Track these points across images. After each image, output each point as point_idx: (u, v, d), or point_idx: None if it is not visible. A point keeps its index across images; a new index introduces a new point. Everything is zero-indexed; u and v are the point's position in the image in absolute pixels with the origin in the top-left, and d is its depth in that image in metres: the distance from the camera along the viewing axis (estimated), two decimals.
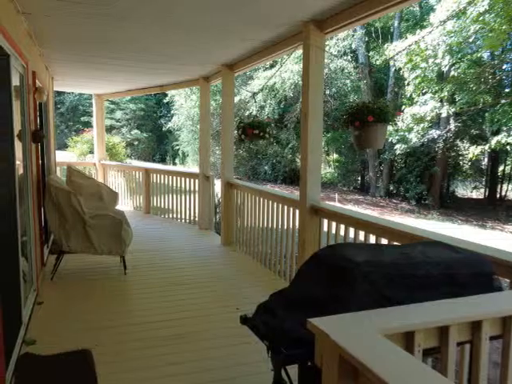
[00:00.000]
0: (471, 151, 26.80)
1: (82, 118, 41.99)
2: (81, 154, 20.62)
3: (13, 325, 4.81)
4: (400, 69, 28.24)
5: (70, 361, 4.73)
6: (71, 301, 6.68)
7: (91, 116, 19.39)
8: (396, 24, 33.24)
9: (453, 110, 26.99)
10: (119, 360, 4.94)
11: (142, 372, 4.72)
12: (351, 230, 5.82)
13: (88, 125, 34.38)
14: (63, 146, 28.60)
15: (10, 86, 5.02)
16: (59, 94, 39.45)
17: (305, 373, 3.01)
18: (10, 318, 4.56)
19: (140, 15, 6.07)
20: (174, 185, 13.02)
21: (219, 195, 12.87)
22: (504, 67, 27.25)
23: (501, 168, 36.09)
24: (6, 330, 3.88)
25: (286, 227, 7.75)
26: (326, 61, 7.57)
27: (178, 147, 43.32)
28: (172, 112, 41.17)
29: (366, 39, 34.93)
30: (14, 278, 5.01)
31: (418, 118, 26.83)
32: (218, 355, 5.15)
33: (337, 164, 40.66)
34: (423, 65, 26.27)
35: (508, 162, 36.53)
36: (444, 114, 27.24)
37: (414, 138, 27.69)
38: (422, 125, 27.20)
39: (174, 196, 13.02)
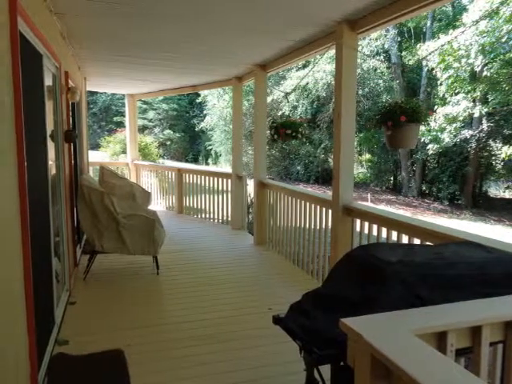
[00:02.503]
0: (504, 151, 26.54)
1: (114, 118, 42.30)
2: (113, 154, 20.77)
3: (45, 325, 4.83)
4: (433, 69, 28.12)
5: (102, 361, 4.72)
6: (104, 301, 6.70)
7: (124, 116, 19.51)
8: (428, 24, 33.02)
9: (485, 109, 26.78)
10: (152, 360, 4.93)
11: (175, 372, 4.71)
12: (384, 230, 5.76)
13: (121, 125, 34.64)
14: (96, 146, 28.85)
15: (42, 86, 5.04)
16: (92, 94, 39.76)
17: (337, 373, 2.98)
18: (43, 318, 4.57)
19: (175, 15, 6.05)
20: (207, 185, 13.02)
21: (252, 195, 12.87)
22: None
23: None
24: (39, 330, 3.89)
25: (318, 227, 7.70)
26: (358, 61, 7.52)
27: (210, 147, 43.48)
28: (205, 112, 41.35)
29: (399, 39, 34.76)
30: (47, 278, 5.03)
31: (451, 117, 26.68)
32: (250, 355, 5.13)
33: (369, 164, 40.44)
34: (456, 65, 26.14)
35: None
36: (476, 114, 27.06)
37: (446, 137, 27.52)
38: (454, 125, 27.07)
39: (207, 196, 13.03)
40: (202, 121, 41.90)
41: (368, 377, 2.00)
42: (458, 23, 28.04)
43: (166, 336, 5.56)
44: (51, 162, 5.60)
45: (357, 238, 6.44)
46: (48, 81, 5.57)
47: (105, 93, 39.76)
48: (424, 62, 29.81)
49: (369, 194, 32.09)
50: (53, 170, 5.86)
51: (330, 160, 34.44)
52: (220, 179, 12.58)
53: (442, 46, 24.84)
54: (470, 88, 26.73)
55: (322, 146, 34.72)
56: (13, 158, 3.25)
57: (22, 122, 3.40)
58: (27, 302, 3.50)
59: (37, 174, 4.49)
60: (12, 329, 3.20)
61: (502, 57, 26.02)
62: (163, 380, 4.55)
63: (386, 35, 32.66)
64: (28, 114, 3.74)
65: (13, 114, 3.25)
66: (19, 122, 3.33)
